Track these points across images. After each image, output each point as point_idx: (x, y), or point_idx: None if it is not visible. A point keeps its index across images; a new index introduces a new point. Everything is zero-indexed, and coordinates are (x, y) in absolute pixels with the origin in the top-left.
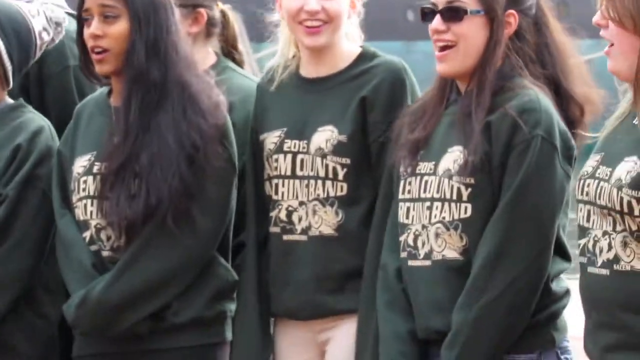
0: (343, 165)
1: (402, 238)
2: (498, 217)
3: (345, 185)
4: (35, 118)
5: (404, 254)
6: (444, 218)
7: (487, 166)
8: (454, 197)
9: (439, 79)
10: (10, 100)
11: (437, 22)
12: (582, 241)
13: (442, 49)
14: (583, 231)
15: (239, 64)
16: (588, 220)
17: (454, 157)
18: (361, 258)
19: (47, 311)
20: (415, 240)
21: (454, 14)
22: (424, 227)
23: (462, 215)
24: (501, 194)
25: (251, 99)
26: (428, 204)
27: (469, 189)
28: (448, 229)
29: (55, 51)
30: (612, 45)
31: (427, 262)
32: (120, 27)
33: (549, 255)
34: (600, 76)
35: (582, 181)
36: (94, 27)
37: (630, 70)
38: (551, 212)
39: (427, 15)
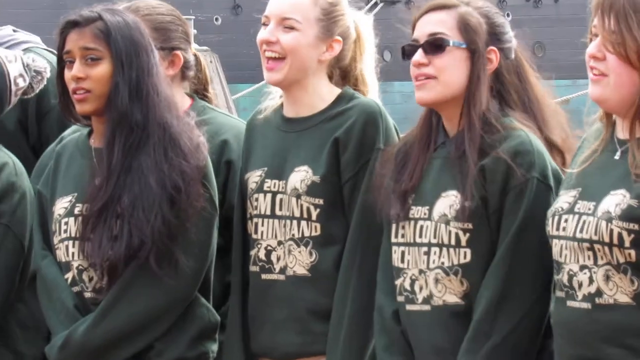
0: (316, 206)
1: (397, 282)
2: (499, 260)
3: (318, 226)
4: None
5: (400, 298)
6: (442, 263)
7: (484, 210)
8: (453, 242)
9: (424, 121)
10: None
11: (419, 55)
12: (556, 277)
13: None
14: (557, 266)
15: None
16: (561, 255)
17: (449, 202)
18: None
19: (21, 349)
20: (412, 284)
21: (436, 47)
22: (421, 272)
23: (462, 261)
24: (500, 237)
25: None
26: (425, 249)
27: (468, 234)
28: (448, 274)
29: (53, 85)
30: (601, 75)
31: (426, 307)
32: (103, 69)
33: (550, 295)
34: (576, 115)
35: (557, 217)
36: (75, 69)
37: (621, 103)
38: (550, 253)
39: (408, 53)
